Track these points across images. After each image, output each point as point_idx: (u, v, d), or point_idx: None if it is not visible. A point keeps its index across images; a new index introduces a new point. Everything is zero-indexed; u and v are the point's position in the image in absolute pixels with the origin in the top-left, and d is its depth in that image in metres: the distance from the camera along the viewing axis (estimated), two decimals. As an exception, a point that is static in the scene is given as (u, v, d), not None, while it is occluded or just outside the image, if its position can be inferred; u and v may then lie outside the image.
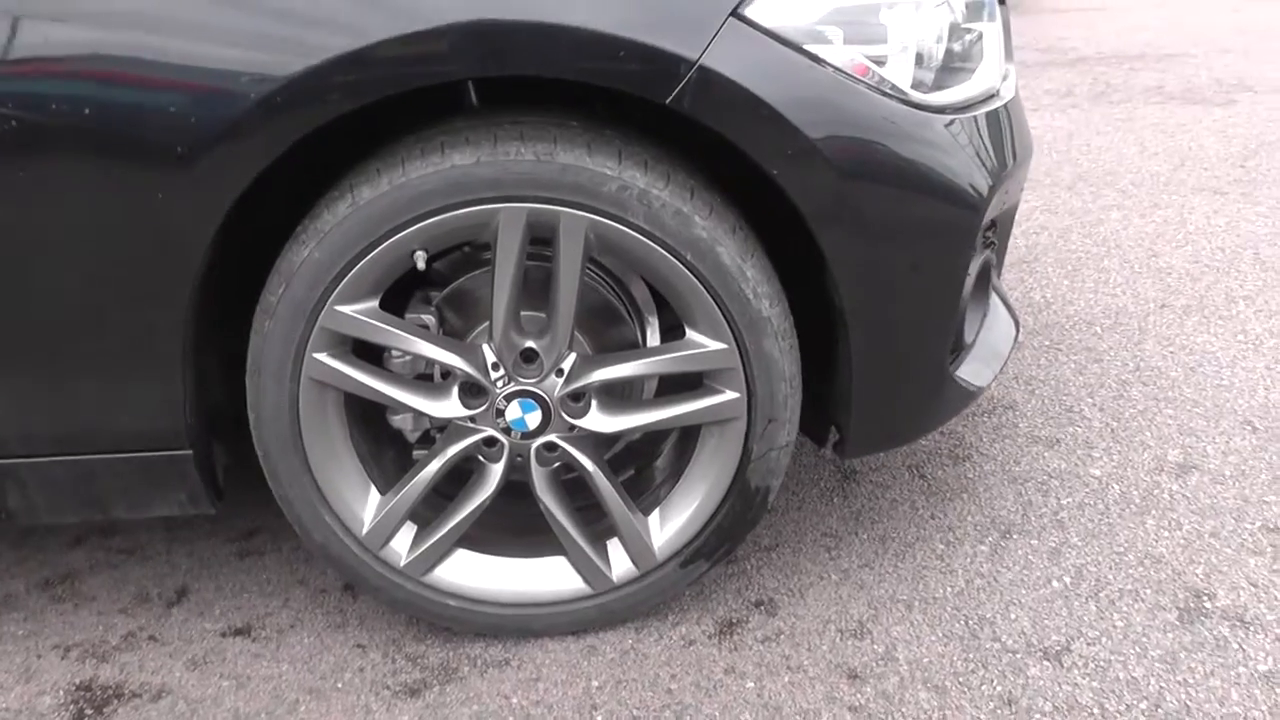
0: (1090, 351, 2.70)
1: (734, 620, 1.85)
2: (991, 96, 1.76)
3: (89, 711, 1.71)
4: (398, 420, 1.79)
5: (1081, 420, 2.40)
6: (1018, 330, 2.08)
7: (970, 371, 1.87)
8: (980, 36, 1.75)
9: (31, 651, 1.85)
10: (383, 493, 1.74)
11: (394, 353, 1.72)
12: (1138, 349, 2.70)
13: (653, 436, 1.93)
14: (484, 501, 1.73)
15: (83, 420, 1.63)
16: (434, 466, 1.70)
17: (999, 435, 2.36)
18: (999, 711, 1.62)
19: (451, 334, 1.76)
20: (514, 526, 1.83)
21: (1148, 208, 3.70)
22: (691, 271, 1.57)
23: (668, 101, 1.47)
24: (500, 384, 1.66)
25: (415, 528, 1.76)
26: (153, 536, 2.15)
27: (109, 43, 1.42)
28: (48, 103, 1.42)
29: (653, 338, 1.83)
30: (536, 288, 1.68)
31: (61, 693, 1.75)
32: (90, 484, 1.68)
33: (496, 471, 1.72)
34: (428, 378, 1.77)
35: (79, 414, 1.62)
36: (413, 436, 1.84)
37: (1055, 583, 1.89)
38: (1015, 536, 2.02)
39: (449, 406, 1.68)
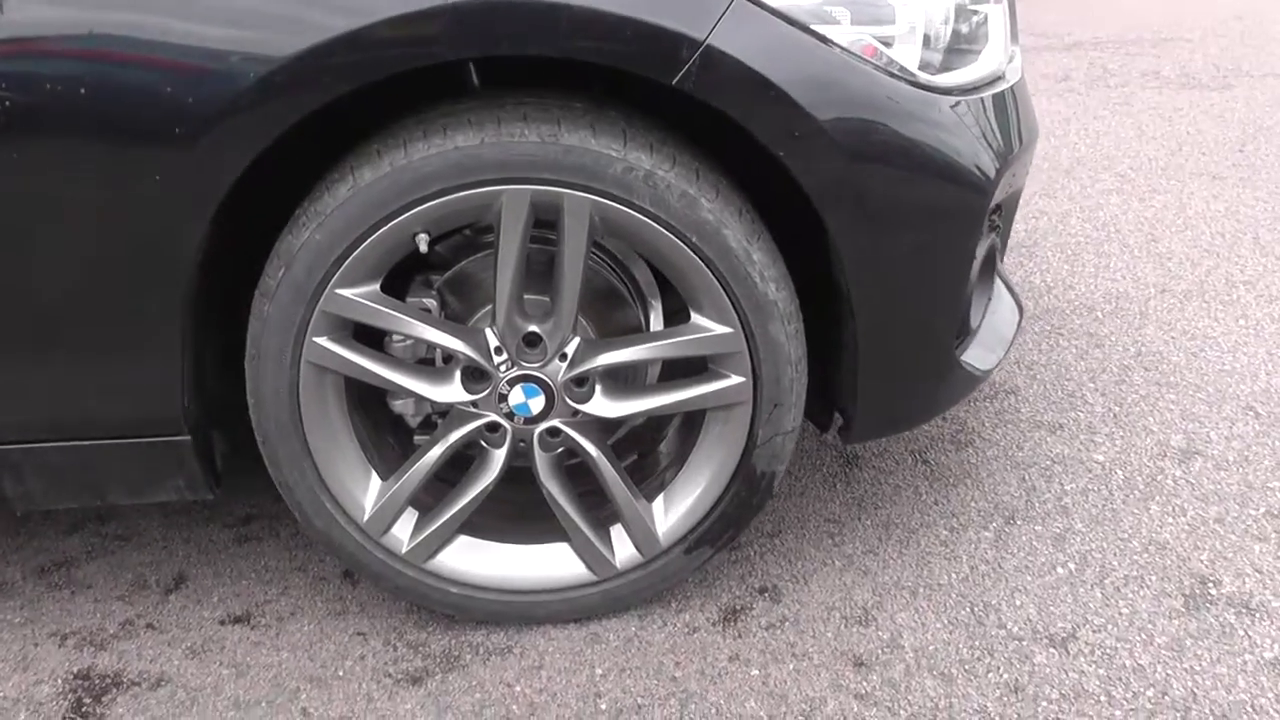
0: (1091, 336, 2.69)
1: (738, 607, 1.84)
2: (998, 79, 1.74)
3: (87, 700, 1.69)
4: (399, 405, 1.78)
5: (1084, 405, 2.39)
6: (1021, 314, 2.06)
7: (976, 355, 1.86)
8: (986, 18, 1.74)
9: (29, 640, 1.83)
10: (384, 478, 1.72)
11: (395, 337, 1.70)
12: (1139, 334, 2.69)
13: (656, 421, 1.91)
14: (486, 487, 1.72)
15: (80, 406, 1.60)
16: (436, 452, 1.69)
17: (1001, 420, 2.35)
18: (1005, 699, 1.62)
19: (453, 318, 1.74)
20: (517, 513, 1.82)
21: (1146, 192, 3.69)
22: (697, 254, 1.55)
23: (674, 82, 1.44)
24: (503, 368, 1.64)
25: (417, 514, 1.75)
26: (150, 523, 2.13)
27: (106, 22, 1.39)
28: (43, 83, 1.39)
29: (656, 322, 1.81)
30: (540, 271, 1.67)
31: (60, 681, 1.73)
32: (87, 470, 1.66)
33: (499, 457, 1.71)
34: (429, 362, 1.76)
35: (76, 399, 1.60)
36: (414, 422, 1.82)
37: (1060, 569, 1.88)
38: (1019, 522, 2.01)
39: (451, 391, 1.66)
